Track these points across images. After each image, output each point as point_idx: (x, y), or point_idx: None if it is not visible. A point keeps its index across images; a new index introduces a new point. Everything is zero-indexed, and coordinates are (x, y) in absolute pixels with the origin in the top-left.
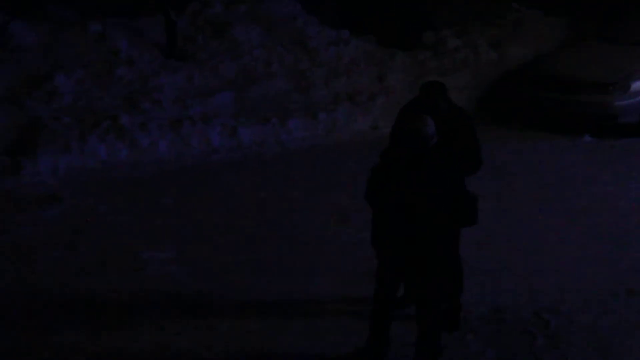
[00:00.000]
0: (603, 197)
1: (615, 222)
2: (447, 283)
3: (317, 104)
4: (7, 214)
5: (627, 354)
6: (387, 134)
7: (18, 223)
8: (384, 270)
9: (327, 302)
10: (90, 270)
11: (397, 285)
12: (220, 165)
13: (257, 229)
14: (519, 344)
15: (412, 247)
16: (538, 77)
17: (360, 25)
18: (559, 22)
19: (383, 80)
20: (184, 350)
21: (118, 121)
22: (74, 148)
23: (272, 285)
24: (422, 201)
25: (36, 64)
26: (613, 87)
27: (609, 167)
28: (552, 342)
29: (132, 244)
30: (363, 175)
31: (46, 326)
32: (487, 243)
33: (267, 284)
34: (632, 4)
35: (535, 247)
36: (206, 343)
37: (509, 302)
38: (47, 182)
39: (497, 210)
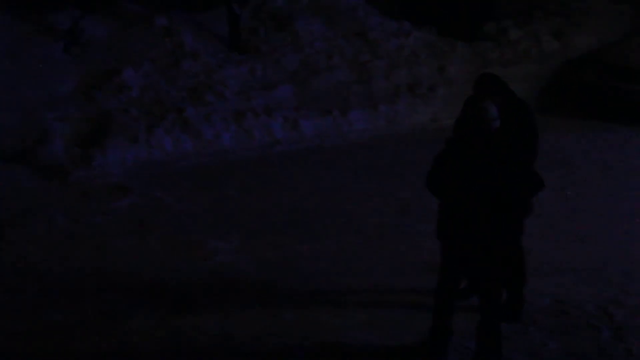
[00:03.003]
0: None
1: None
2: (510, 274)
3: (377, 96)
4: (79, 204)
5: None
6: (448, 125)
7: (89, 213)
8: (448, 261)
9: (388, 293)
10: (157, 259)
11: (460, 277)
12: (282, 156)
13: (318, 220)
14: (582, 337)
15: (477, 233)
16: (602, 66)
17: (421, 16)
18: (624, 10)
19: (444, 71)
20: (248, 339)
21: (183, 113)
22: (141, 140)
23: (334, 275)
24: (489, 181)
25: (105, 58)
26: None
27: None
28: (617, 336)
29: (197, 234)
30: (423, 167)
31: (115, 312)
32: (549, 234)
33: (329, 274)
34: None
35: (599, 239)
36: (270, 332)
37: (572, 295)
38: (115, 173)
39: (560, 201)
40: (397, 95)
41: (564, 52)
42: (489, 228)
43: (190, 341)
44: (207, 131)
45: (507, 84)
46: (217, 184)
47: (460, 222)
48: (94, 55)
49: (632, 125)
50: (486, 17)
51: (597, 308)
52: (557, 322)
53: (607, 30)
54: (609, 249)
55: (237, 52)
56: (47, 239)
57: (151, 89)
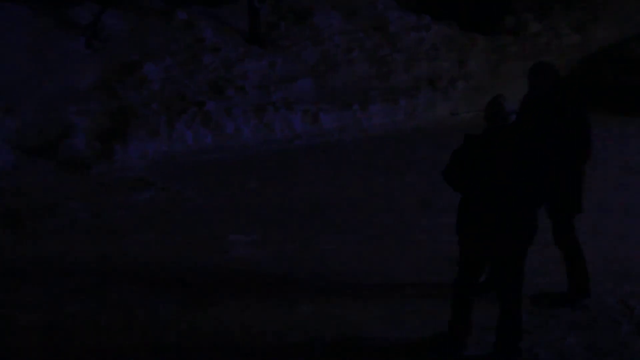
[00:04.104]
0: None
1: None
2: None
3: (397, 90)
4: (101, 198)
5: None
6: (468, 119)
7: (111, 206)
8: (467, 257)
9: (406, 286)
10: (178, 252)
11: (479, 272)
12: (302, 150)
13: (338, 213)
14: (602, 331)
15: (496, 229)
16: (623, 60)
17: (441, 9)
18: None
19: (463, 65)
20: (267, 330)
21: (204, 107)
22: (162, 134)
23: (353, 268)
24: (504, 175)
25: (126, 52)
26: None
27: None
28: (638, 330)
29: (217, 227)
30: (443, 161)
31: (138, 304)
32: None
33: (348, 267)
34: None
35: (620, 233)
36: (288, 324)
37: (592, 289)
38: (136, 166)
39: None
40: (416, 89)
41: (584, 45)
42: (505, 223)
43: (210, 334)
44: (227, 125)
45: (559, 75)
46: (237, 178)
47: (478, 217)
48: (115, 50)
49: None
50: (506, 11)
51: (618, 302)
52: (577, 316)
53: (628, 23)
54: (629, 243)
55: (257, 46)
56: (68, 232)
57: (172, 83)
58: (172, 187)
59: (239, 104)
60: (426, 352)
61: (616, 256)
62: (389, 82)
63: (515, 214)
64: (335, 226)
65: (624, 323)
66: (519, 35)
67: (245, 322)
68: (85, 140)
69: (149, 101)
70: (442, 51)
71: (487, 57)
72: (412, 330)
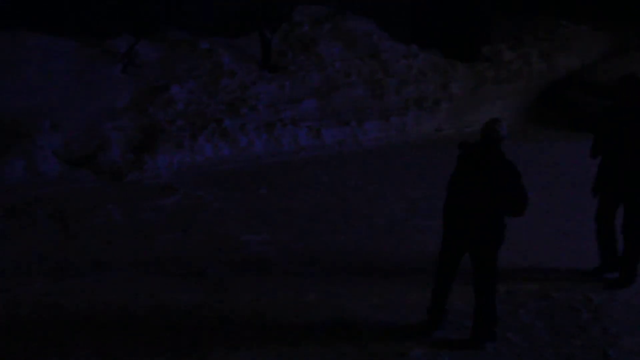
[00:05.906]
0: None
1: None
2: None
3: (389, 109)
4: (133, 202)
5: None
6: (450, 135)
7: (141, 209)
8: (446, 251)
9: (396, 278)
10: (199, 248)
11: (456, 267)
12: (307, 161)
13: (338, 216)
14: (565, 318)
15: (471, 230)
16: (583, 84)
17: (427, 40)
18: (602, 36)
19: (446, 88)
20: (276, 316)
21: (222, 124)
22: (186, 147)
23: (351, 263)
24: (482, 191)
25: (156, 76)
26: None
27: None
28: (595, 316)
29: (233, 227)
30: (429, 170)
31: (164, 293)
32: (538, 227)
33: (346, 262)
34: None
35: (581, 233)
36: (295, 312)
37: (556, 281)
38: (163, 175)
39: (547, 200)
40: (406, 109)
41: (551, 71)
42: (482, 225)
43: (226, 319)
44: (242, 139)
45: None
46: (250, 185)
47: (458, 219)
48: (146, 74)
49: None
50: (483, 41)
51: (578, 293)
52: (543, 305)
53: (588, 52)
54: (588, 242)
55: (268, 71)
56: (105, 231)
57: (194, 103)
58: (194, 192)
59: (252, 121)
60: (411, 335)
61: (578, 253)
62: (382, 103)
63: (487, 220)
64: (335, 227)
65: (583, 311)
66: (495, 63)
67: (257, 309)
68: (120, 152)
69: (175, 118)
70: (428, 76)
71: (466, 81)
72: (400, 317)
